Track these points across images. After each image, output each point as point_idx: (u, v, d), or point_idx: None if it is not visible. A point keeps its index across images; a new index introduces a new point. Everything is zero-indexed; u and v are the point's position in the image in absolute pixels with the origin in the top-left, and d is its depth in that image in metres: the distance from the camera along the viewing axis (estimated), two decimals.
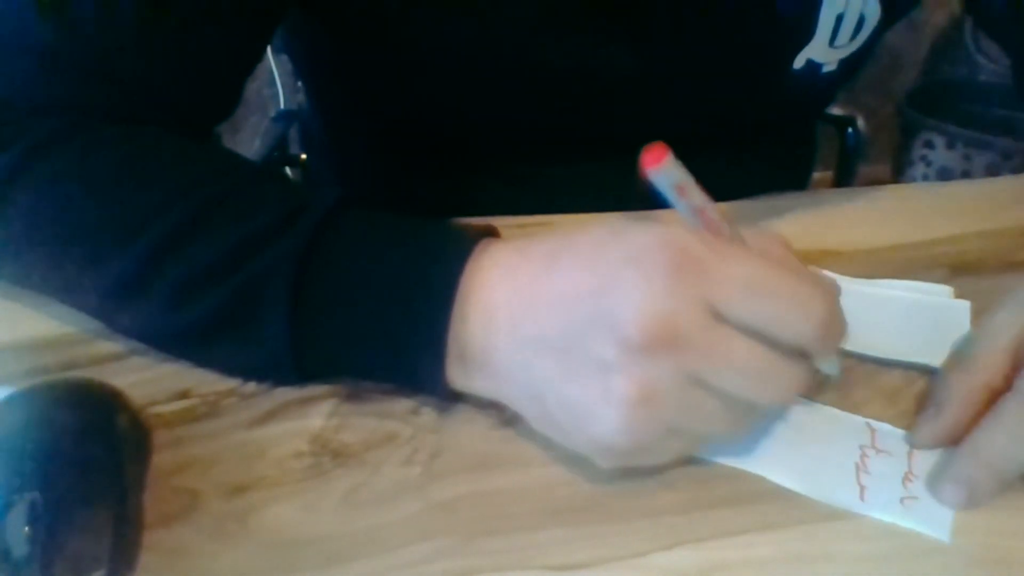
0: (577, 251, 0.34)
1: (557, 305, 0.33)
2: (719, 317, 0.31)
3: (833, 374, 0.37)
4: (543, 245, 0.36)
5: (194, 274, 0.37)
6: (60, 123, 0.41)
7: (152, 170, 0.40)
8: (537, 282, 0.34)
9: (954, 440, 0.36)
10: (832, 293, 0.33)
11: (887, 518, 0.34)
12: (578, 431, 0.33)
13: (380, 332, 0.36)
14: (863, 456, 0.36)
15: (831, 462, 0.36)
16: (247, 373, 0.40)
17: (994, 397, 0.35)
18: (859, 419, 0.38)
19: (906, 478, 0.35)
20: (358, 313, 0.36)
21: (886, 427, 0.37)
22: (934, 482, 0.35)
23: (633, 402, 0.31)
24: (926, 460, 0.36)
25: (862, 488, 0.35)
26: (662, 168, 0.31)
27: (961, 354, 0.38)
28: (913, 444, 0.37)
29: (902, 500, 0.34)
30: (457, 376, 0.36)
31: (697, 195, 0.33)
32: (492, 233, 0.38)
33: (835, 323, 0.33)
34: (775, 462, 0.36)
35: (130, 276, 0.38)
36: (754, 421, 0.34)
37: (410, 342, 0.35)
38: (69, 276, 0.40)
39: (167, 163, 0.41)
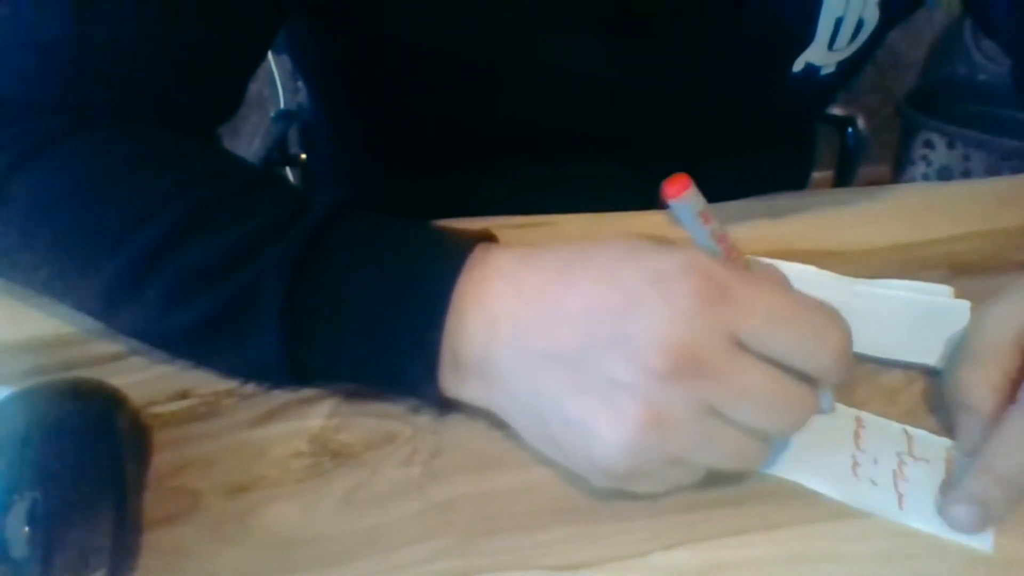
0: (592, 266, 0.33)
1: (575, 321, 0.32)
2: (740, 346, 0.31)
3: (826, 408, 0.36)
4: (552, 256, 0.35)
5: (190, 274, 0.37)
6: (59, 122, 0.41)
7: (150, 169, 0.40)
8: (548, 294, 0.34)
9: None
10: (844, 323, 0.33)
11: (926, 529, 0.33)
12: (577, 449, 0.33)
13: (373, 337, 0.35)
14: (900, 463, 0.36)
15: (868, 468, 0.35)
16: (243, 374, 0.40)
17: (1015, 387, 0.35)
18: (896, 425, 0.37)
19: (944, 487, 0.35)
20: (351, 317, 0.36)
21: (923, 434, 0.37)
22: (943, 506, 0.34)
23: (642, 425, 0.30)
24: (964, 469, 0.35)
25: (900, 495, 0.34)
26: (685, 197, 0.31)
27: (970, 351, 0.37)
28: (961, 451, 0.36)
29: (941, 511, 0.34)
30: (450, 383, 0.36)
31: (717, 223, 0.33)
32: (489, 238, 0.38)
33: (849, 353, 0.33)
34: (811, 467, 0.35)
35: (126, 275, 0.38)
36: (759, 458, 0.33)
37: (403, 348, 0.35)
38: (67, 274, 0.40)
39: (165, 163, 0.41)
